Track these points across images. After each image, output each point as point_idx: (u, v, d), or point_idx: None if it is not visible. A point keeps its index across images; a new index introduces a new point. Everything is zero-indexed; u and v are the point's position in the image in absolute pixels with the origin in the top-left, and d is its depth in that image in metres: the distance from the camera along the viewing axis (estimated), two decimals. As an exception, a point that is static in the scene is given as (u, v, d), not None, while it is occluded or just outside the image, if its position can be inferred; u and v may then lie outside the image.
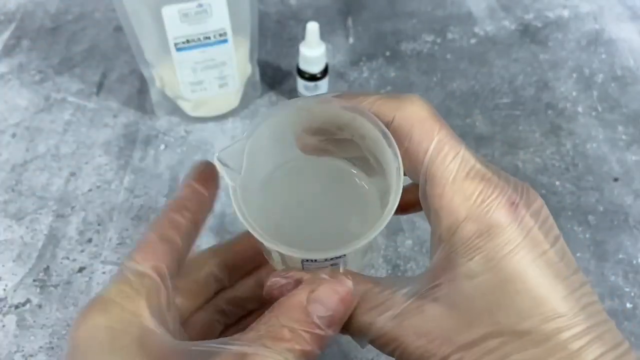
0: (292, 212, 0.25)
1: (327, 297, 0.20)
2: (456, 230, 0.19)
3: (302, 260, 0.23)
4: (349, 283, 0.21)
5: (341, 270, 0.23)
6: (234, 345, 0.18)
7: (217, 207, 0.46)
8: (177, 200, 0.23)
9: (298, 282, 0.21)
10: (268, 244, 0.21)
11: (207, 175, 0.24)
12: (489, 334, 0.19)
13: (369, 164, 0.24)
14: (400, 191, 0.21)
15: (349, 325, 0.21)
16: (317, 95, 0.24)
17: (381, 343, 0.21)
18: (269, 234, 0.21)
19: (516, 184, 0.20)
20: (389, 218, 0.21)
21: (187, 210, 0.23)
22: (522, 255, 0.19)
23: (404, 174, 0.21)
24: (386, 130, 0.21)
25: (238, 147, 0.22)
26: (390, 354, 0.21)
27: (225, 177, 0.22)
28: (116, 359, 0.18)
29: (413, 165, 0.21)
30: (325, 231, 0.24)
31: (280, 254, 0.22)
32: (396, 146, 0.21)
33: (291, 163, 0.26)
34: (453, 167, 0.20)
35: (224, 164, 0.22)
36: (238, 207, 0.21)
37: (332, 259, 0.22)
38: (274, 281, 0.22)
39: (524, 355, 0.18)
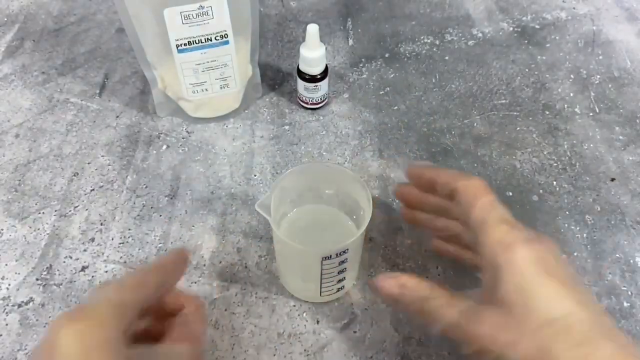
0: (305, 235, 0.39)
1: None
2: (496, 256, 0.29)
3: (322, 259, 0.35)
4: None
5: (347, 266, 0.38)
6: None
7: (220, 207, 0.46)
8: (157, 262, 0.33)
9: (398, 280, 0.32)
10: (304, 248, 0.35)
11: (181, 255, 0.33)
12: (522, 321, 0.27)
13: (349, 209, 0.41)
14: (370, 214, 0.36)
15: (424, 317, 0.31)
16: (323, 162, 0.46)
17: (450, 331, 0.30)
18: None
19: (535, 233, 0.30)
20: (366, 223, 0.35)
21: (163, 268, 0.31)
22: (534, 267, 0.28)
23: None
24: (364, 184, 0.37)
25: (268, 198, 0.36)
26: (456, 339, 0.29)
27: (267, 217, 0.35)
28: (96, 351, 0.24)
29: (467, 211, 0.32)
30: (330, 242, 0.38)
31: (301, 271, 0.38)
32: (369, 192, 0.37)
33: (299, 209, 0.42)
34: (493, 215, 0.31)
35: (261, 211, 0.35)
36: (282, 235, 0.35)
37: (340, 254, 0.35)
38: (381, 278, 0.32)
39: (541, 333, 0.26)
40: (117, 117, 0.54)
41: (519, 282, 0.28)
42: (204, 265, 0.43)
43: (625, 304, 0.41)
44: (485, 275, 0.30)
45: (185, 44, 0.46)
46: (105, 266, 0.42)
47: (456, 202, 0.33)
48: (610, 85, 0.57)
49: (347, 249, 0.36)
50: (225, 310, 0.40)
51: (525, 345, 0.26)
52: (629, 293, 0.41)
